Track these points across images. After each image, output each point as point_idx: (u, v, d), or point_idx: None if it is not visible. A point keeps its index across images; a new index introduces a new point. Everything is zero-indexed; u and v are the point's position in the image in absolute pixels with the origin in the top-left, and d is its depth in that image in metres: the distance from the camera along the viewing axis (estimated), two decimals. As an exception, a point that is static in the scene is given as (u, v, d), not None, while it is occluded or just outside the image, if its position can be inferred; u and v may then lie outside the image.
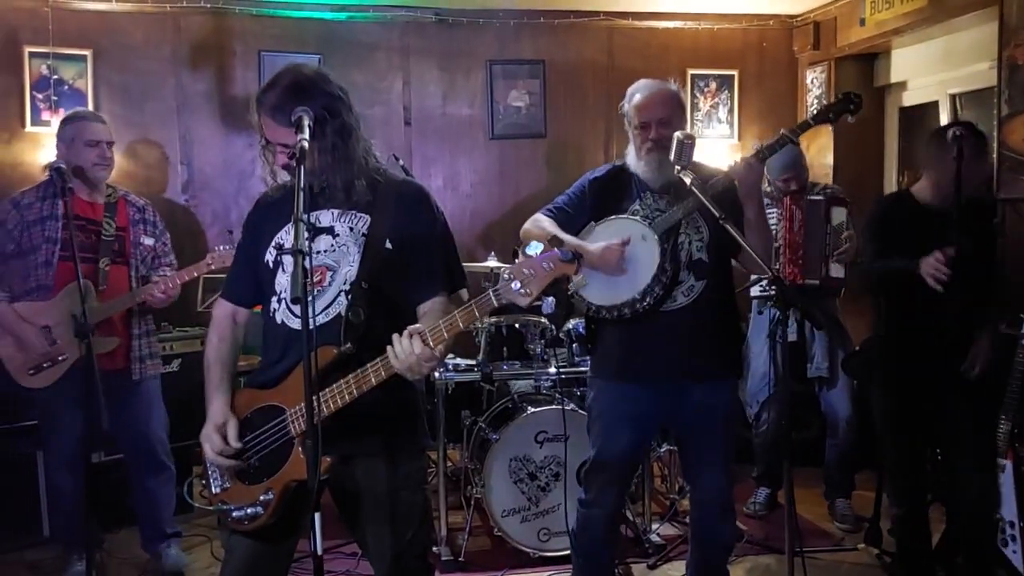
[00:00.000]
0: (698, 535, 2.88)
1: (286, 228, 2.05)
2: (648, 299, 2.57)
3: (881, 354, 3.22)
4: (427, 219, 2.08)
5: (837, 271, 3.81)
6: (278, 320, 2.04)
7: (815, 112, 2.73)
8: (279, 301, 2.04)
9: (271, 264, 2.07)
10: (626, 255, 2.53)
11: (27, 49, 4.61)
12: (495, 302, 1.82)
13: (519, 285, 1.79)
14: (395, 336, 1.85)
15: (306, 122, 1.87)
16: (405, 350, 1.82)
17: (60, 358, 3.19)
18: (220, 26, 4.92)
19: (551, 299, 1.96)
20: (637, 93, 2.72)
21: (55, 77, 4.64)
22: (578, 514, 2.89)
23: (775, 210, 3.93)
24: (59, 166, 3.10)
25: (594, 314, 2.69)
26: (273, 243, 2.07)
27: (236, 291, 2.20)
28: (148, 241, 3.39)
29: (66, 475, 3.26)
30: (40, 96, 4.62)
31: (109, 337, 3.23)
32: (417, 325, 1.87)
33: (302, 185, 1.77)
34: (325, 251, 2.01)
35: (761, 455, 4.17)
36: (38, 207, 3.23)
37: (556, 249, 1.81)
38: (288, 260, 2.01)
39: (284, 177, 2.03)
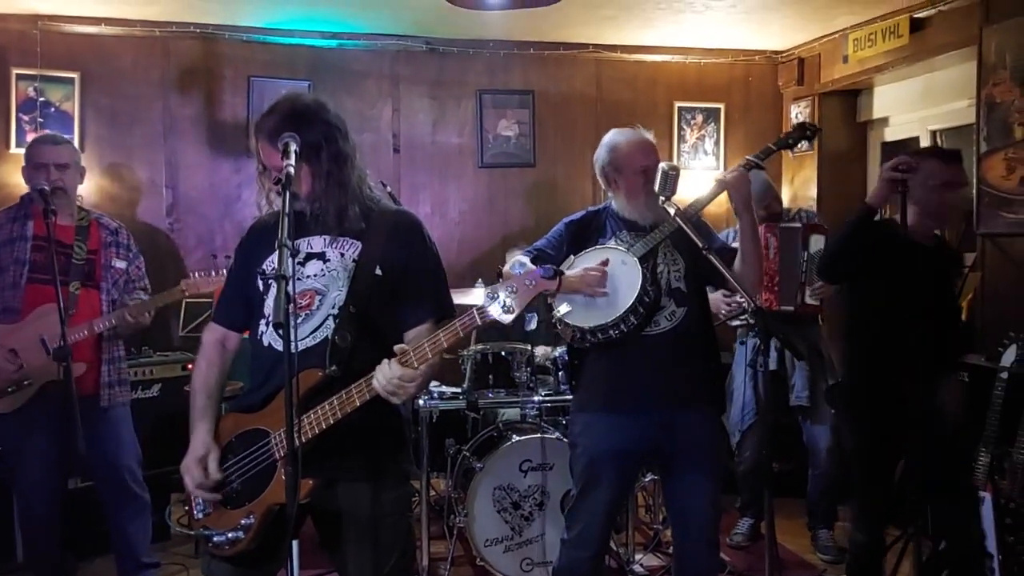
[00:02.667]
0: (682, 570, 2.80)
1: (274, 255, 2.04)
2: (633, 318, 2.57)
3: (851, 382, 3.17)
4: (419, 248, 2.10)
5: (813, 300, 3.83)
6: (265, 343, 2.04)
7: (776, 139, 2.80)
8: (267, 324, 2.04)
9: (261, 288, 2.08)
10: (607, 276, 2.55)
11: (15, 71, 4.61)
12: (478, 320, 1.83)
13: (501, 302, 1.81)
14: (380, 365, 1.86)
15: (292, 148, 1.89)
16: (386, 374, 1.85)
17: (25, 383, 3.09)
18: (209, 51, 4.94)
19: (534, 315, 1.99)
20: (621, 142, 2.76)
21: (42, 99, 4.64)
22: (561, 555, 2.80)
23: None
24: (42, 187, 3.06)
25: (579, 339, 2.68)
26: (262, 269, 2.08)
27: (227, 315, 2.20)
28: (120, 264, 3.31)
29: (37, 503, 3.16)
30: (26, 118, 4.61)
31: (77, 362, 3.11)
32: (402, 345, 1.89)
33: (287, 210, 1.78)
34: (315, 276, 2.02)
35: (744, 484, 4.17)
36: (8, 228, 3.16)
37: (537, 266, 1.83)
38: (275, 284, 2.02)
39: (279, 202, 2.05)
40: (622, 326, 2.58)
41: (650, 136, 2.79)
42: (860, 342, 3.09)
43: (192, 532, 2.07)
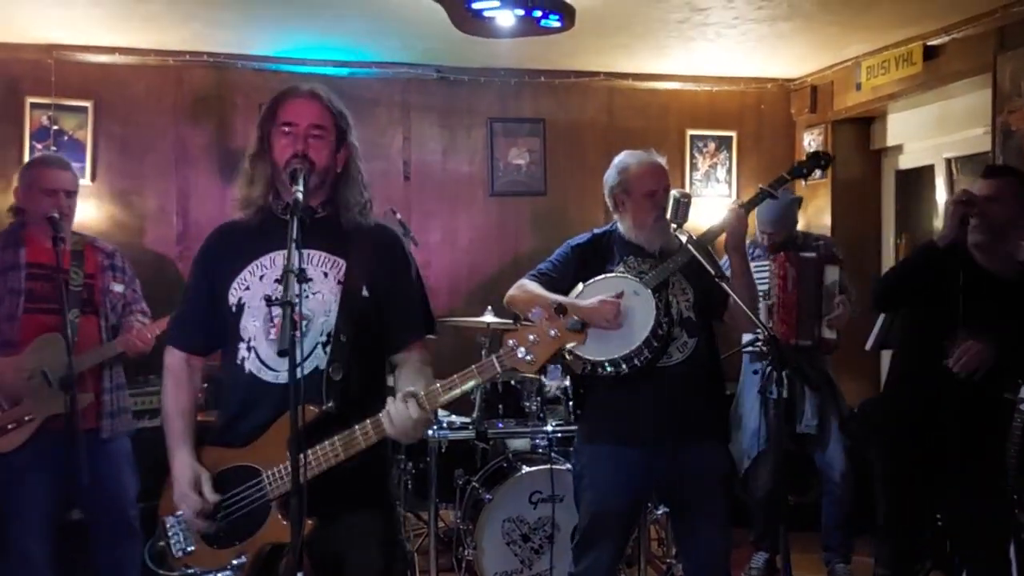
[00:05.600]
0: None
1: (250, 268, 1.96)
2: (647, 352, 2.54)
3: (884, 411, 3.12)
4: (403, 265, 2.05)
5: (829, 333, 3.75)
6: (246, 370, 1.93)
7: (790, 168, 2.78)
8: (249, 349, 1.93)
9: (234, 308, 1.96)
10: (621, 309, 2.49)
11: (29, 100, 4.64)
12: (498, 368, 1.78)
13: (524, 352, 1.75)
14: (389, 399, 1.81)
15: (301, 174, 1.86)
16: (401, 415, 1.78)
17: (27, 418, 2.93)
18: (222, 79, 4.96)
19: (558, 367, 1.96)
20: (632, 164, 2.74)
21: (55, 127, 4.66)
22: None
23: (767, 262, 3.90)
24: (52, 215, 2.95)
25: (590, 372, 2.62)
26: (236, 284, 1.96)
27: (188, 337, 2.07)
28: (118, 288, 3.16)
29: (38, 541, 3.00)
30: (39, 146, 4.63)
31: (84, 393, 2.99)
32: (412, 388, 1.82)
33: (295, 236, 1.75)
34: (300, 298, 1.89)
35: (757, 514, 4.08)
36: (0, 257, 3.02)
37: (562, 317, 1.77)
38: (256, 304, 1.92)
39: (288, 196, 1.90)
40: (635, 360, 2.54)
41: (662, 160, 2.77)
42: (903, 365, 3.05)
43: (173, 573, 1.96)
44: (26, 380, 2.94)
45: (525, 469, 3.47)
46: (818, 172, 2.87)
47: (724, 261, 3.51)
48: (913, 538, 3.01)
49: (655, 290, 2.58)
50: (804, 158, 2.84)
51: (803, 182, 5.21)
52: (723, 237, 2.71)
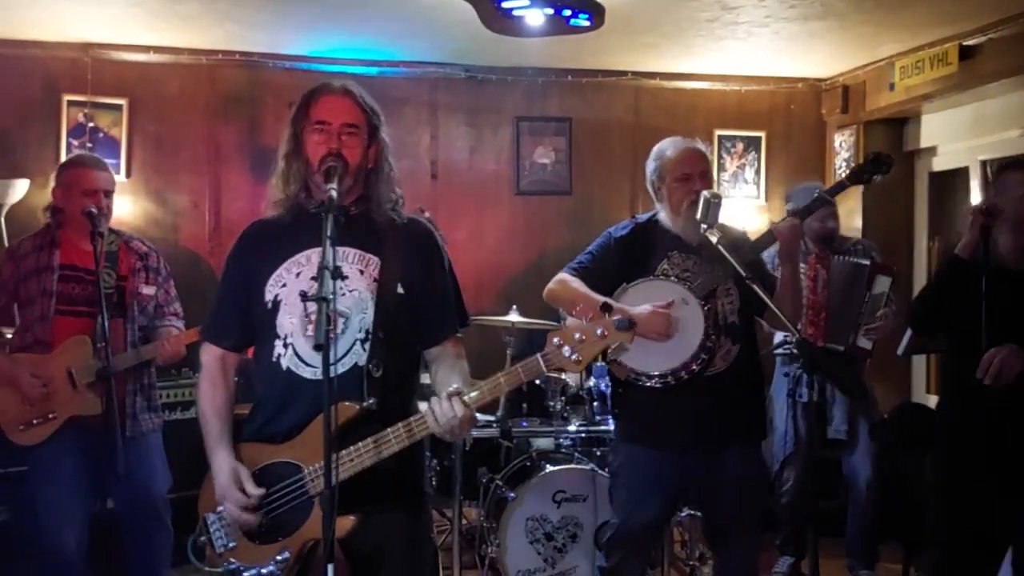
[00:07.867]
0: None
1: (286, 265, 1.97)
2: (695, 366, 2.51)
3: (940, 421, 2.97)
4: (437, 260, 2.06)
5: (865, 342, 3.64)
6: (284, 367, 1.94)
7: (849, 173, 2.72)
8: (285, 346, 1.94)
9: (270, 304, 1.96)
10: (672, 320, 2.45)
11: (66, 97, 4.73)
12: (543, 368, 1.76)
13: (569, 351, 1.72)
14: (433, 399, 1.81)
15: (336, 172, 1.87)
16: (446, 413, 1.77)
17: (51, 415, 2.96)
18: (254, 78, 5.02)
19: (604, 365, 1.93)
20: (669, 148, 2.70)
21: (91, 125, 4.75)
22: None
23: (803, 266, 3.81)
24: (90, 210, 2.96)
25: (634, 381, 2.60)
26: (272, 281, 1.97)
27: (224, 334, 2.07)
28: (148, 291, 3.14)
29: (70, 533, 3.01)
30: (76, 143, 4.71)
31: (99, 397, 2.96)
32: (456, 386, 1.82)
33: (330, 233, 1.75)
34: (335, 295, 1.88)
35: (784, 518, 4.04)
36: (33, 258, 3.02)
37: (607, 315, 1.74)
38: (293, 300, 1.93)
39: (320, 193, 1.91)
40: (683, 373, 2.51)
41: (703, 147, 2.72)
42: (955, 374, 2.92)
43: (215, 568, 1.96)
44: (44, 385, 2.95)
45: (549, 468, 3.47)
46: (879, 177, 2.75)
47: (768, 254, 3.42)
48: (965, 550, 2.81)
49: (704, 299, 2.53)
50: (863, 161, 2.72)
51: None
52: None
